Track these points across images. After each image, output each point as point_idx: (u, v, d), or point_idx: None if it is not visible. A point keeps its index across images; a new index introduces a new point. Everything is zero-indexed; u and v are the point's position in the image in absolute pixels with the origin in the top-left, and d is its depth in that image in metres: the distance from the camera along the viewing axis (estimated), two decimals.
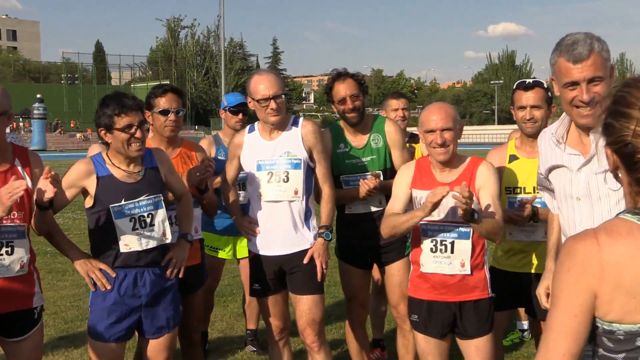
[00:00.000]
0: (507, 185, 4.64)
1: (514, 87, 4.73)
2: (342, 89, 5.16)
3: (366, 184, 4.99)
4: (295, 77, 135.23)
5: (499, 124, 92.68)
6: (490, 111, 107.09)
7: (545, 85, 4.64)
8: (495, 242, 4.20)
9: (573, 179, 3.43)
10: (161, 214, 4.28)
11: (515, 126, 4.96)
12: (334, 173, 5.18)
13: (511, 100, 4.74)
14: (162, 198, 4.31)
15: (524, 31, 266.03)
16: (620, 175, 2.06)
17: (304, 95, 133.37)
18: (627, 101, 1.96)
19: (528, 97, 4.57)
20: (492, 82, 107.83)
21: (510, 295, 4.66)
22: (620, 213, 2.01)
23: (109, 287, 4.17)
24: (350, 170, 5.21)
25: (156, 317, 4.31)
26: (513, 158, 4.70)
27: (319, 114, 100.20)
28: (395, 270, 5.22)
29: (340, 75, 5.21)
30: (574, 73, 3.20)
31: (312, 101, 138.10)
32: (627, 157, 1.97)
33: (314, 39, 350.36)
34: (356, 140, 5.24)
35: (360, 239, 5.23)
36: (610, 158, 2.05)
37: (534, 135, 4.48)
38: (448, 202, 4.11)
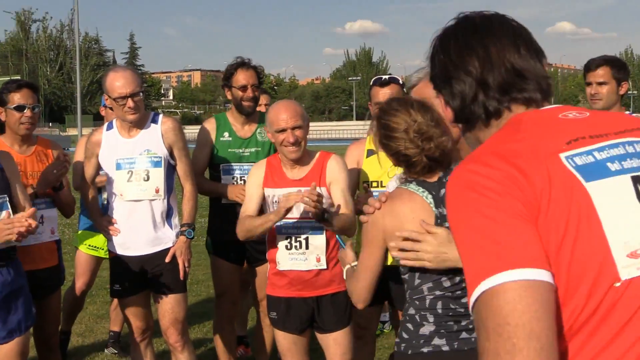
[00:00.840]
0: (364, 179, 4.72)
1: (371, 83, 4.85)
2: (245, 77, 5.21)
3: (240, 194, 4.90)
4: (153, 73, 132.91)
5: (357, 119, 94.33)
6: (349, 107, 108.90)
7: (400, 82, 4.79)
8: (349, 235, 4.24)
9: None
10: (5, 215, 4.08)
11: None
12: (215, 161, 5.19)
13: (369, 96, 4.86)
14: (7, 199, 4.12)
15: (380, 28, 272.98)
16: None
17: (162, 91, 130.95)
18: (391, 127, 2.90)
19: (384, 93, 4.68)
20: (350, 78, 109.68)
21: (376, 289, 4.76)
22: (398, 185, 2.99)
23: None
24: (231, 159, 5.22)
25: (6, 321, 4.11)
26: (370, 153, 4.79)
27: (178, 111, 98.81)
28: (267, 269, 5.22)
29: (244, 64, 5.27)
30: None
31: (171, 97, 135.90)
32: (405, 161, 2.93)
33: (173, 34, 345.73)
34: (242, 130, 5.29)
35: (233, 232, 5.17)
36: (393, 160, 3.00)
37: None
38: None
